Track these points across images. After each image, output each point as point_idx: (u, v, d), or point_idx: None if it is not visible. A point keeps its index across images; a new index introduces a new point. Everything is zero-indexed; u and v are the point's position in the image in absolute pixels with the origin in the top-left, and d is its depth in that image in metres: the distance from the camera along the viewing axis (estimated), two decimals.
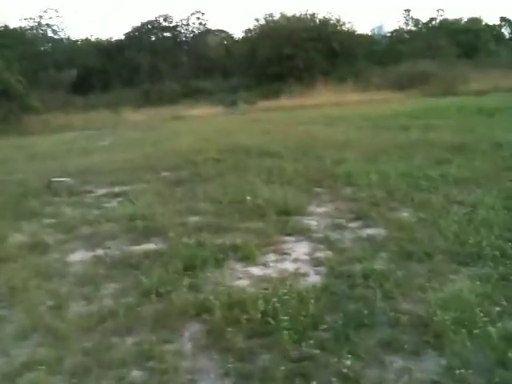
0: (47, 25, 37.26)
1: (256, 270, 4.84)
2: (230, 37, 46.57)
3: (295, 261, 5.06)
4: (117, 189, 9.08)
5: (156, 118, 26.58)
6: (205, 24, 44.74)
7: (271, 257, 5.21)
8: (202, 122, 22.75)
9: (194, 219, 6.70)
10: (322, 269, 4.76)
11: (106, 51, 39.48)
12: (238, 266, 4.97)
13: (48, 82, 32.07)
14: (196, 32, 44.95)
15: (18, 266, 5.18)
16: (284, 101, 29.36)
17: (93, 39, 41.61)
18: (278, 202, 7.07)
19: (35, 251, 5.70)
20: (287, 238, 5.77)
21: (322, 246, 5.41)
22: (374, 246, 5.26)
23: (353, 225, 6.16)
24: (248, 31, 41.25)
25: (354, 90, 30.30)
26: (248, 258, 5.09)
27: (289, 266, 4.92)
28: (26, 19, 36.76)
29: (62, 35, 39.08)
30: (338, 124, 16.78)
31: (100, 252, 5.62)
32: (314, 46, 35.91)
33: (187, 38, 44.97)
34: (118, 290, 4.57)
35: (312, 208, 7.10)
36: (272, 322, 3.63)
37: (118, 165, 11.38)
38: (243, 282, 4.54)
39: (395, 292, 4.11)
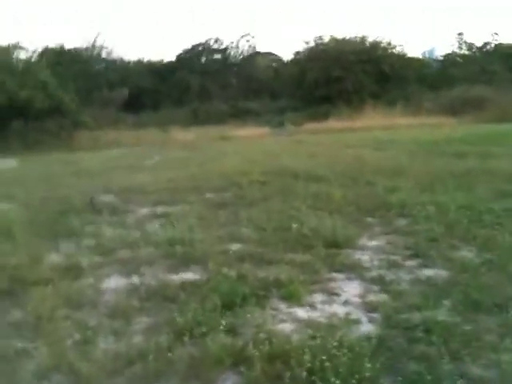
0: (101, 46, 38.33)
1: (301, 313, 4.32)
2: (278, 59, 46.62)
3: (345, 303, 4.51)
4: (159, 209, 8.78)
5: (204, 138, 26.57)
6: (254, 46, 45.01)
7: (318, 297, 4.68)
8: (248, 143, 22.50)
9: (235, 247, 6.26)
10: (376, 316, 4.20)
11: (157, 72, 40.19)
12: (282, 306, 4.46)
13: (100, 101, 32.75)
14: (245, 54, 45.23)
15: (49, 292, 4.85)
16: (332, 123, 28.87)
17: (145, 61, 42.45)
18: (325, 232, 6.55)
19: (69, 275, 5.38)
20: (336, 275, 5.23)
21: (375, 288, 4.84)
22: (434, 291, 4.65)
23: (409, 263, 5.55)
24: (297, 54, 41.20)
25: (404, 113, 29.49)
26: (293, 297, 4.58)
27: (338, 309, 4.38)
28: (81, 40, 37.97)
29: (115, 56, 40.05)
30: (388, 148, 16.12)
31: (135, 280, 5.24)
32: (363, 68, 35.35)
33: (236, 59, 45.30)
34: (151, 326, 4.15)
35: (363, 241, 6.53)
36: (319, 383, 3.10)
37: (162, 184, 11.13)
38: (287, 327, 4.03)
39: (462, 352, 3.50)
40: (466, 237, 6.34)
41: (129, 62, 41.29)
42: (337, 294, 4.73)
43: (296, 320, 4.17)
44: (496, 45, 42.84)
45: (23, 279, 5.21)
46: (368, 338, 3.71)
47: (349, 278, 5.15)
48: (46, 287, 4.99)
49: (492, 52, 42.31)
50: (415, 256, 5.75)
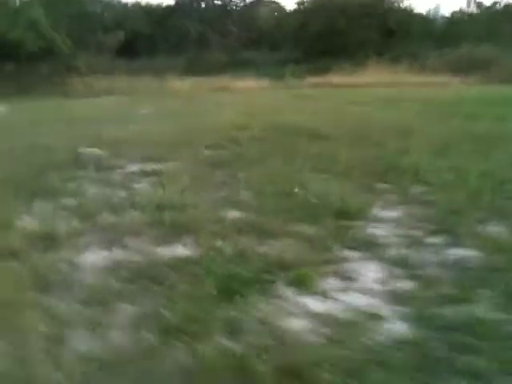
0: None
1: (313, 303, 3.55)
2: (281, 8, 44.61)
3: (365, 292, 3.74)
4: (149, 166, 7.92)
5: (200, 88, 25.34)
6: None
7: (332, 282, 3.91)
8: (247, 95, 21.32)
9: (232, 215, 5.47)
10: (404, 309, 3.45)
11: (155, 16, 38.18)
12: (289, 294, 3.70)
13: (95, 45, 31.12)
14: (247, 2, 43.19)
15: (17, 269, 4.07)
16: (334, 77, 27.55)
17: (143, 3, 40.39)
18: (333, 199, 5.75)
19: (40, 246, 4.58)
20: (350, 254, 4.45)
21: (398, 271, 4.08)
22: (469, 277, 3.90)
23: (434, 240, 4.77)
24: (301, 3, 39.20)
25: (409, 71, 28.17)
26: (302, 282, 3.82)
27: (357, 300, 3.62)
28: None
29: None
30: (394, 107, 15.11)
31: (117, 254, 4.46)
32: (368, 22, 33.70)
33: (238, 7, 43.27)
34: (133, 318, 3.39)
35: (376, 211, 5.74)
36: None
37: (154, 137, 10.21)
38: (297, 324, 3.27)
39: None
40: (492, 209, 5.56)
41: (126, 4, 39.31)
42: (353, 279, 3.97)
43: (308, 314, 3.40)
44: (505, 5, 40.99)
45: None
46: (400, 343, 2.97)
47: (365, 258, 4.39)
48: (17, 261, 4.21)
49: (501, 12, 40.48)
50: (439, 232, 4.96)
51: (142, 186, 6.78)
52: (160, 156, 8.50)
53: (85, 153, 8.10)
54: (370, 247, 4.60)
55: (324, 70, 29.32)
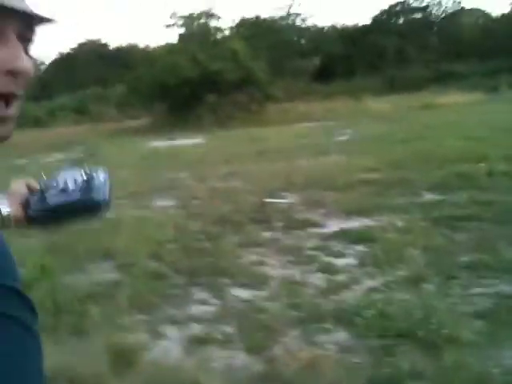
0: (295, 14, 35.39)
1: None
2: (486, 15, 38.79)
3: None
4: (354, 223, 5.51)
5: (402, 107, 22.19)
6: (459, 2, 37.99)
7: None
8: (458, 113, 17.61)
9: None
10: None
11: (350, 37, 36.05)
12: None
13: (291, 71, 30.15)
14: (448, 11, 38.47)
15: None
16: None
17: (339, 26, 38.66)
18: None
19: None
20: None
21: None
22: None
23: None
24: None
25: None
26: None
27: None
28: (276, 9, 35.58)
29: (309, 23, 36.96)
30: None
31: None
32: None
33: (438, 18, 38.81)
34: None
35: None
36: None
37: (356, 175, 7.81)
38: None
39: None
40: None
41: (322, 28, 37.94)
42: None
43: None
44: None
45: None
46: None
47: None
48: None
49: None
50: None
51: (346, 264, 4.36)
52: (367, 205, 6.03)
53: (271, 204, 6.01)
54: None
55: None
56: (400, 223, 5.31)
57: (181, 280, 4.19)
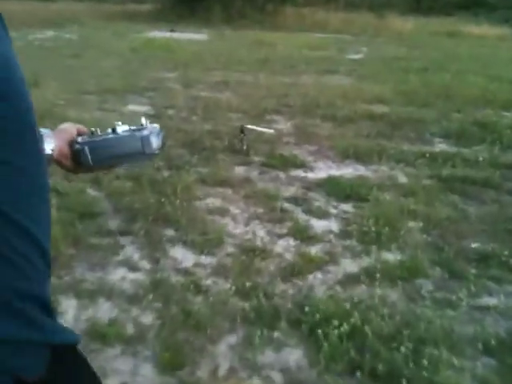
0: None
1: None
2: None
3: None
4: (347, 170, 4.47)
5: (425, 31, 20.05)
6: None
7: None
8: (485, 46, 15.74)
9: None
10: None
11: None
12: None
13: None
14: None
15: None
16: None
17: None
18: None
19: None
20: None
21: None
22: None
23: None
24: None
25: None
26: None
27: None
28: None
29: None
30: None
31: None
32: None
33: None
34: None
35: None
36: None
37: (362, 106, 6.60)
38: None
39: None
40: None
41: None
42: None
43: None
44: None
45: None
46: None
47: None
48: None
49: None
50: None
51: (326, 230, 3.36)
52: (369, 148, 4.94)
53: (251, 131, 4.88)
54: None
55: None
56: (401, 179, 4.28)
57: (114, 223, 3.22)
